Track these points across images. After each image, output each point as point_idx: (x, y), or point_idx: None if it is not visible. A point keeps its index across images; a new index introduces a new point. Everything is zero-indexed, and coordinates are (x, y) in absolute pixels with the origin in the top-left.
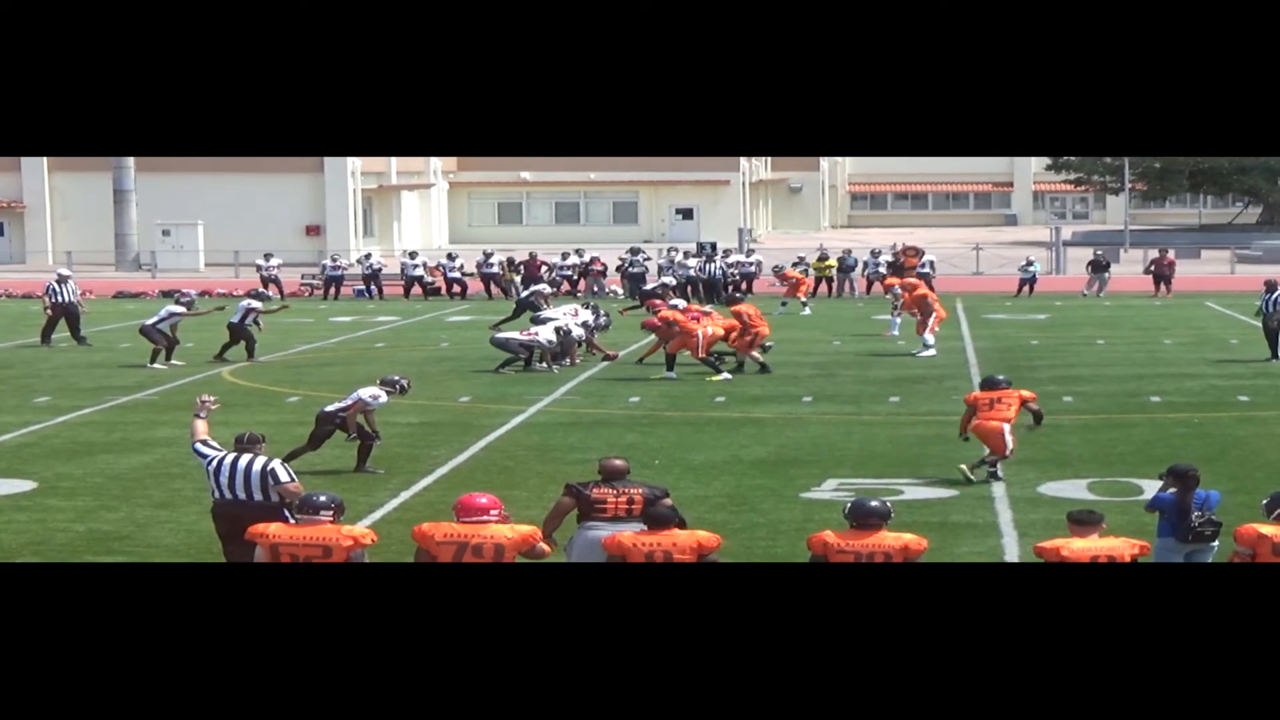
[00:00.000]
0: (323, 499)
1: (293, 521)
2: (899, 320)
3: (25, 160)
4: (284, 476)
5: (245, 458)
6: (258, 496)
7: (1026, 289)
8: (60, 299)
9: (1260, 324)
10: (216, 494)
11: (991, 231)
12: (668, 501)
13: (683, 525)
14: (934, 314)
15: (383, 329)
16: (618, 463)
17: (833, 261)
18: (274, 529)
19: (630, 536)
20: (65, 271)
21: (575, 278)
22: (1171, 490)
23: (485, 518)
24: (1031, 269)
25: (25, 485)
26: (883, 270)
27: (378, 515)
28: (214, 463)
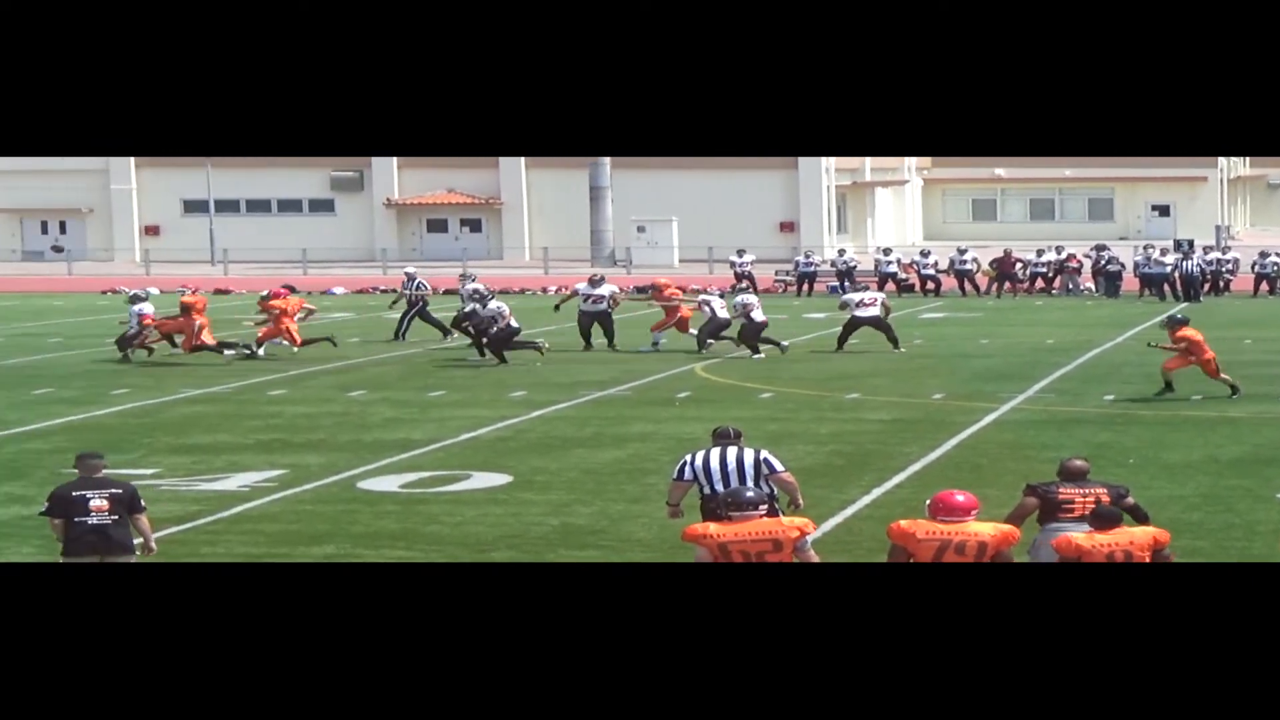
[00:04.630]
0: (751, 495)
1: (730, 519)
2: None
3: (504, 158)
4: (779, 466)
5: (732, 450)
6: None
7: None
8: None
9: None
10: (707, 488)
11: None
12: (1130, 500)
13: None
14: None
15: None
16: (1078, 463)
17: None
18: (714, 529)
19: (1085, 537)
20: (412, 270)
21: (1050, 275)
22: None
23: (966, 517)
24: None
25: (501, 479)
26: None
27: (850, 511)
28: (697, 458)
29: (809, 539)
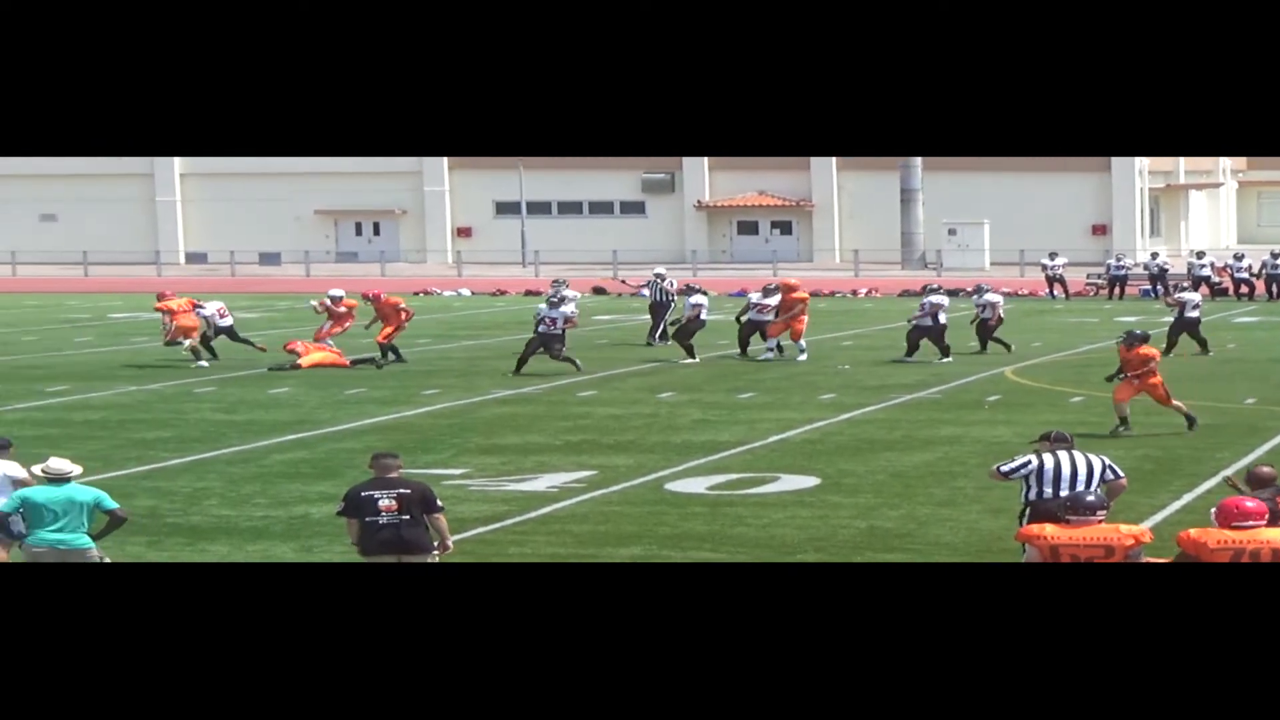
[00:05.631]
0: (1092, 499)
1: (1068, 522)
2: None
3: (815, 160)
4: (1120, 473)
5: (1078, 455)
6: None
7: None
8: (655, 298)
9: None
10: (1049, 491)
11: None
12: None
13: None
14: None
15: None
16: (1267, 470)
17: None
18: (1049, 530)
19: None
20: (662, 270)
21: None
22: None
23: (1258, 523)
24: None
25: (809, 481)
26: None
27: (1160, 517)
28: (1046, 461)
29: (1142, 547)
